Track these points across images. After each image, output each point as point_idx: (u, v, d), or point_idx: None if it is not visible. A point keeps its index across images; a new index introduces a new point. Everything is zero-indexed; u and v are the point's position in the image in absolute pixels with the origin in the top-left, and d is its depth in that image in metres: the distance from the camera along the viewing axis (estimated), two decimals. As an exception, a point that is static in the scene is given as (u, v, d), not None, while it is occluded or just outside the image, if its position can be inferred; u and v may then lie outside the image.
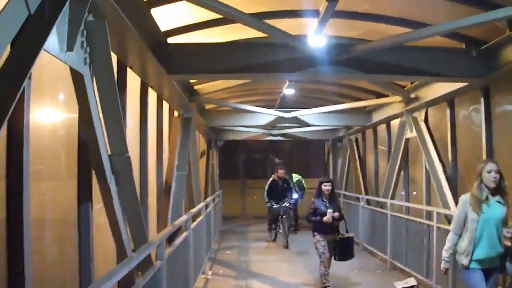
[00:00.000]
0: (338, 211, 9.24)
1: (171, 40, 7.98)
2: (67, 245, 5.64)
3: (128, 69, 7.19)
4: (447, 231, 8.59)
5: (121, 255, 5.46)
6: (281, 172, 15.89)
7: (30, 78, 3.71)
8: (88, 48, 4.59)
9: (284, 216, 15.14)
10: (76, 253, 5.46)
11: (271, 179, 16.00)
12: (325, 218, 8.99)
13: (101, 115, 4.99)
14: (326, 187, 9.33)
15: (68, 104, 5.50)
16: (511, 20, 6.98)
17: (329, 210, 9.04)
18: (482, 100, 8.89)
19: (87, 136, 4.92)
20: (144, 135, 8.39)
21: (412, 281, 9.73)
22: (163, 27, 7.49)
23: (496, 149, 8.65)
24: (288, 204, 15.50)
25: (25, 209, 3.69)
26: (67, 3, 3.95)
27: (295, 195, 16.61)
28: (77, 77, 4.50)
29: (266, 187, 15.84)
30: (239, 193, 24.58)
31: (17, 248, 3.64)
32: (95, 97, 4.81)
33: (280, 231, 15.36)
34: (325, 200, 9.28)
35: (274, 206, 15.39)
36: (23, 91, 3.57)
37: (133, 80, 7.67)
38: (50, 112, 5.50)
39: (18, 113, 3.64)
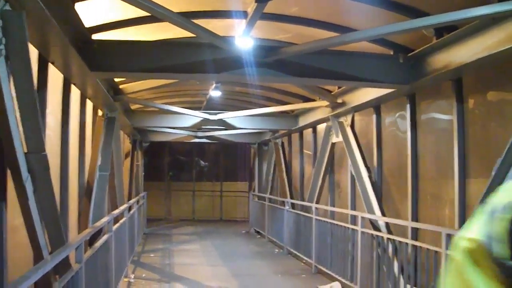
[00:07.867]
0: None
1: (96, 36, 7.74)
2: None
3: (50, 65, 6.93)
4: (371, 235, 8.78)
5: (38, 257, 5.24)
6: None
7: None
8: (3, 39, 4.36)
9: None
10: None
11: None
12: None
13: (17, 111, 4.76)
14: None
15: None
16: (438, 29, 7.10)
17: None
18: (408, 106, 9.00)
19: (2, 132, 4.66)
20: (66, 133, 8.13)
21: (336, 285, 9.83)
22: (88, 23, 7.25)
23: (420, 155, 8.80)
24: None
25: None
26: (-19, -10, 3.73)
27: None
28: (-9, 69, 4.26)
29: None
30: (164, 195, 24.38)
31: None
32: (11, 91, 4.57)
33: None
34: None
35: None
36: None
37: (55, 76, 7.42)
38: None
39: None
